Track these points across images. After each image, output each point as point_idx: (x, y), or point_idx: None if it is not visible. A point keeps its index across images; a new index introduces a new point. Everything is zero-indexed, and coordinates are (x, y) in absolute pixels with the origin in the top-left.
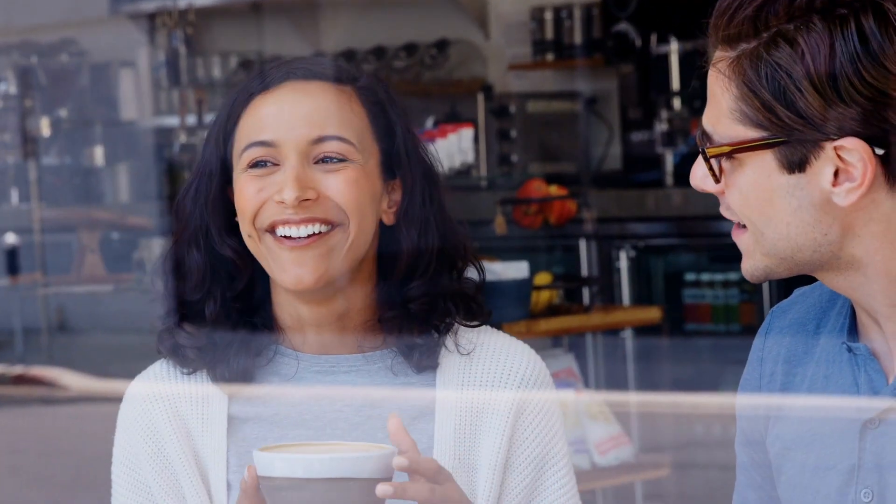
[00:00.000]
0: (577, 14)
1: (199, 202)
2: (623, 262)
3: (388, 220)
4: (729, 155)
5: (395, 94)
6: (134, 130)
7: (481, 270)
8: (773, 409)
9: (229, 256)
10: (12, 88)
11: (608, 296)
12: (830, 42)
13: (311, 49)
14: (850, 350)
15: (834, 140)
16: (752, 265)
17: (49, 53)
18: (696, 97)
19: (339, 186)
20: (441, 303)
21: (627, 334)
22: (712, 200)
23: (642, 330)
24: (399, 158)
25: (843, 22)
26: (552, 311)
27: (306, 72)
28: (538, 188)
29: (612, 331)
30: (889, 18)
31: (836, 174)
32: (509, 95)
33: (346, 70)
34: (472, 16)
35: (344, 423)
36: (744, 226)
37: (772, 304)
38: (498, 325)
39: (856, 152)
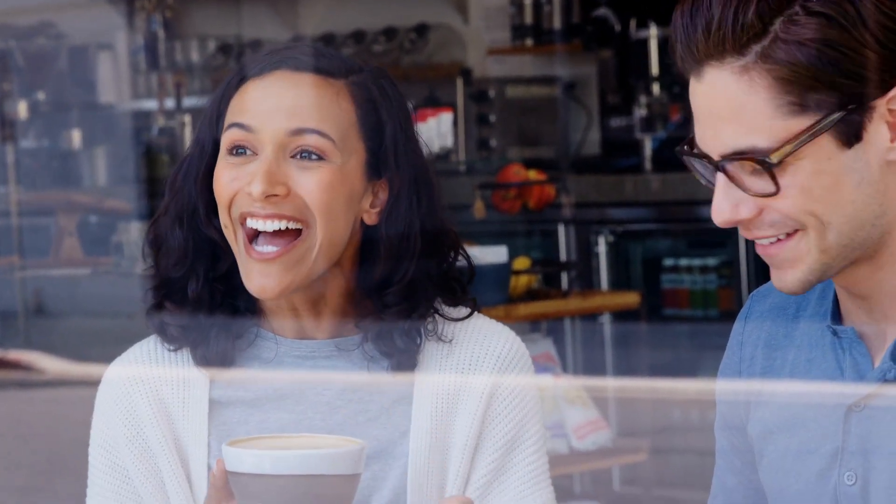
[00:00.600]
0: None
1: (189, 179)
2: (601, 248)
3: (371, 220)
4: (792, 152)
5: (396, 92)
6: (112, 114)
7: (471, 264)
8: (753, 394)
9: (213, 237)
10: None
11: (586, 281)
12: None
13: (290, 33)
14: (834, 333)
15: (883, 95)
16: (805, 271)
17: (27, 36)
18: (675, 83)
19: (310, 186)
20: (422, 304)
21: (605, 319)
22: (690, 186)
23: (620, 315)
24: (386, 159)
25: None
26: (531, 295)
27: (298, 62)
28: (517, 173)
29: (591, 316)
30: None
31: (891, 131)
32: (488, 80)
33: (342, 63)
34: (452, 0)
35: (325, 406)
36: (791, 233)
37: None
38: (476, 310)
39: None
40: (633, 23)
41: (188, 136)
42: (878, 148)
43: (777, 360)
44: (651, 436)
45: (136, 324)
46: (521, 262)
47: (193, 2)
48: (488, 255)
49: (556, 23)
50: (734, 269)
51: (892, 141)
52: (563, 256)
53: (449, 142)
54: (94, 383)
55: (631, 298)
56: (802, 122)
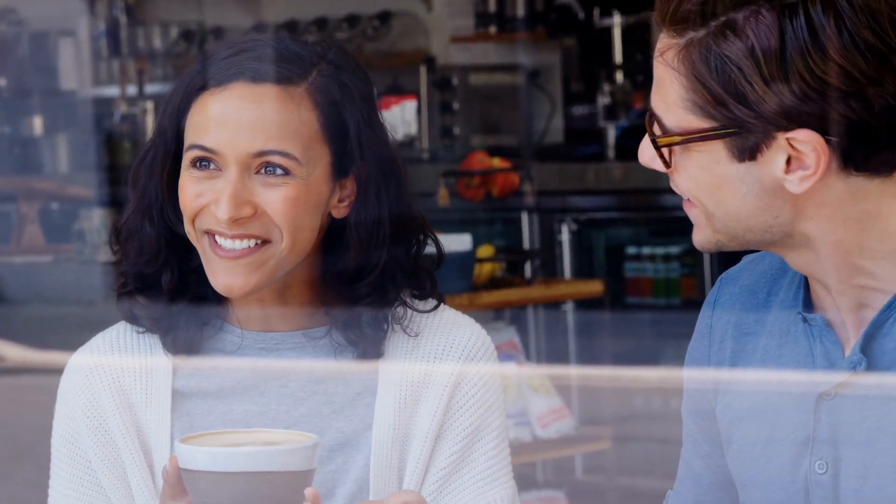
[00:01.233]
0: None
1: (153, 178)
2: (565, 236)
3: (339, 213)
4: (679, 143)
5: (357, 80)
6: (73, 100)
7: (440, 249)
8: (723, 381)
9: (184, 233)
10: None
11: (550, 269)
12: (780, 33)
13: (253, 21)
14: (805, 321)
15: (786, 131)
16: (704, 237)
17: None
18: (638, 71)
19: (276, 204)
20: (388, 285)
21: (569, 307)
22: (653, 175)
23: (583, 303)
24: (352, 156)
25: (791, 12)
26: (494, 283)
27: (257, 72)
28: (481, 160)
29: (554, 304)
30: (837, 8)
31: (788, 162)
32: (451, 68)
33: (303, 60)
34: None
35: (290, 398)
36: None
37: (713, 279)
38: (441, 299)
39: (808, 143)
40: (596, 11)
41: (150, 123)
42: (771, 172)
43: (748, 345)
44: (614, 424)
45: (98, 311)
46: (485, 250)
47: None
48: (452, 242)
49: (520, 10)
50: (697, 257)
51: (786, 172)
52: (526, 244)
53: (413, 129)
54: (55, 371)
55: (594, 287)
56: (699, 123)
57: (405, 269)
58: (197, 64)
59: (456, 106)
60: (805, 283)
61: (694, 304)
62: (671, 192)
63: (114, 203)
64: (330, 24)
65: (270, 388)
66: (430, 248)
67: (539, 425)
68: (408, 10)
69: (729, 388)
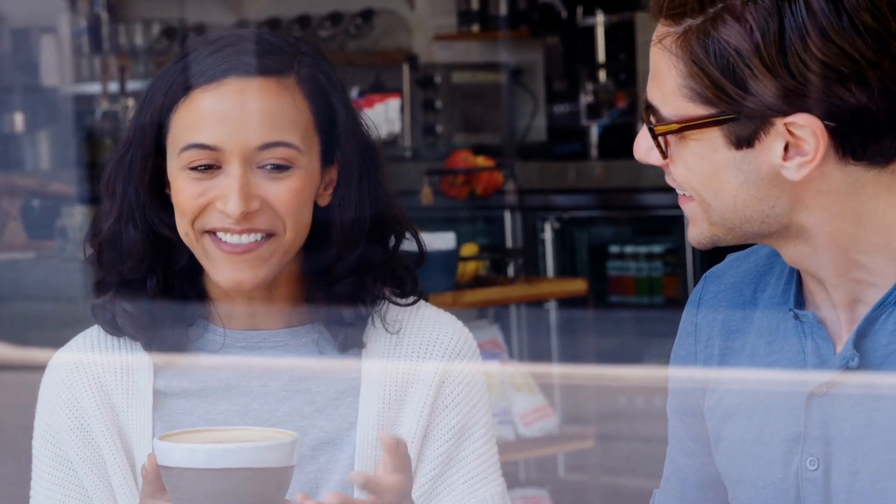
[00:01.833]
0: None
1: (132, 182)
2: (547, 234)
3: (324, 201)
4: (676, 132)
5: (335, 71)
6: (55, 97)
7: (421, 245)
8: (711, 381)
9: (168, 235)
10: None
11: (533, 267)
12: (779, 17)
13: (235, 18)
14: (796, 317)
15: (784, 116)
16: (700, 233)
17: None
18: (621, 70)
19: (281, 197)
20: (370, 280)
21: (552, 306)
22: (636, 173)
23: (566, 302)
24: (337, 143)
25: None
26: (478, 282)
27: (246, 66)
28: (465, 159)
29: (537, 303)
30: None
31: (786, 148)
32: (434, 66)
33: (285, 53)
34: None
35: (272, 398)
36: (690, 195)
37: (696, 278)
38: (424, 297)
39: (807, 128)
40: (579, 10)
41: None
42: (769, 160)
43: (736, 343)
44: (597, 423)
45: (81, 308)
46: (469, 249)
47: None
48: (436, 241)
49: (503, 9)
50: (680, 256)
51: (784, 159)
52: (509, 243)
53: (396, 128)
54: (36, 368)
55: (578, 285)
56: (697, 110)
57: (385, 262)
58: (175, 62)
59: (438, 104)
60: (796, 280)
61: (677, 302)
62: (653, 190)
63: (95, 200)
64: (313, 22)
65: (252, 387)
66: (413, 247)
67: (522, 424)
68: (390, 7)
69: (717, 386)
